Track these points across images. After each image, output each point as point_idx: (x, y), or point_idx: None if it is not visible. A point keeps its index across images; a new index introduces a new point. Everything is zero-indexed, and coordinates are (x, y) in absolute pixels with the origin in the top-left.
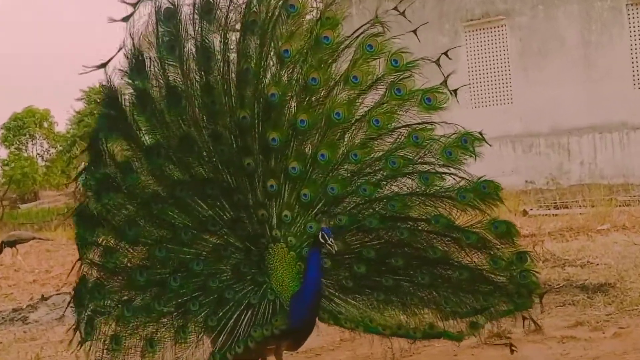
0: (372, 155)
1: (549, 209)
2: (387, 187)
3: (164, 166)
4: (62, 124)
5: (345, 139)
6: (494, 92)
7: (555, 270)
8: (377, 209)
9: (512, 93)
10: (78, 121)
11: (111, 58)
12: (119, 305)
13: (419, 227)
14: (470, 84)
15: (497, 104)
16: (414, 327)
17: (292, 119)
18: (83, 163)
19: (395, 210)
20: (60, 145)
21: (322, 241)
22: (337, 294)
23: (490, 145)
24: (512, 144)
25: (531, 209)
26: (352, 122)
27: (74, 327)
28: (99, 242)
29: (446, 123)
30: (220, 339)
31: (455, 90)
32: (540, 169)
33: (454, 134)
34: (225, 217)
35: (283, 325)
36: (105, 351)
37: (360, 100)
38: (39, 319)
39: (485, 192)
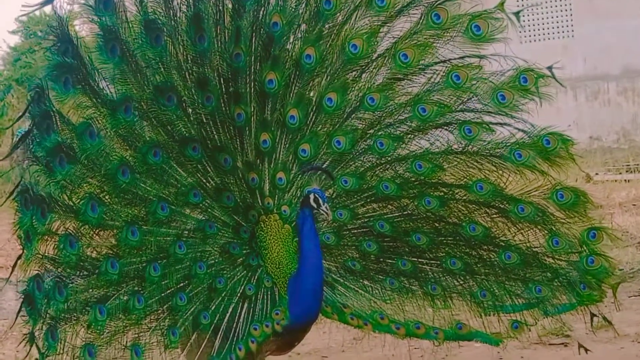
0: (395, 101)
1: (620, 174)
2: (413, 142)
3: (134, 125)
4: None
5: (362, 80)
6: (549, 22)
7: (627, 250)
8: (398, 171)
9: (573, 24)
10: (14, 60)
11: None
12: (88, 308)
13: (455, 196)
14: (520, 10)
15: (553, 38)
16: (436, 327)
17: (296, 55)
18: (24, 127)
19: (422, 173)
20: None
21: (314, 205)
22: (341, 280)
23: (563, 85)
24: (572, 90)
25: (597, 174)
26: (373, 57)
27: (27, 339)
28: (53, 230)
29: (498, 56)
30: (217, 341)
31: (517, 13)
32: (609, 122)
33: (509, 70)
34: (208, 185)
35: (285, 319)
36: None
37: (385, 30)
38: None
39: (549, 148)
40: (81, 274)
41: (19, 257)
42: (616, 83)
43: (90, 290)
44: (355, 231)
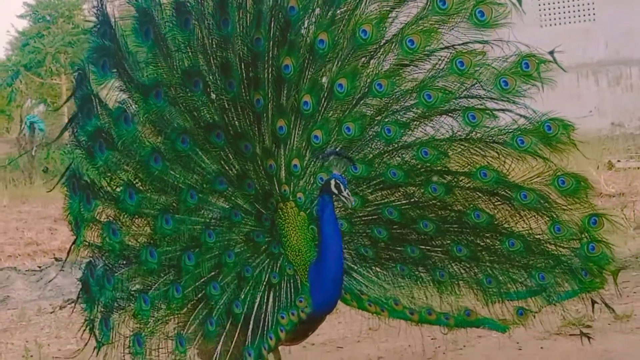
0: (401, 87)
1: None
2: (418, 129)
3: (164, 111)
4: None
5: (371, 66)
6: (570, 5)
7: None
8: (404, 158)
9: (595, 7)
10: (22, 45)
11: None
12: (133, 297)
13: (460, 183)
14: None
15: (574, 22)
16: (446, 313)
17: (310, 40)
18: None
19: (427, 159)
20: None
21: (335, 191)
22: (356, 267)
23: (564, 70)
24: (594, 75)
25: (619, 161)
26: (381, 43)
27: (86, 328)
28: (98, 217)
29: (501, 41)
30: (249, 331)
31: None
32: (632, 108)
33: (511, 56)
34: (231, 172)
35: (308, 307)
36: (127, 356)
37: (393, 16)
38: None
39: (551, 134)
40: (125, 262)
41: (73, 243)
42: (639, 68)
43: (133, 279)
44: (366, 218)
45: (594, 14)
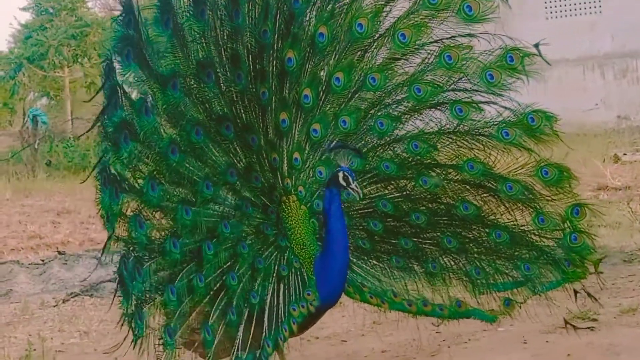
0: (393, 81)
1: None
2: (409, 123)
3: (180, 102)
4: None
5: (365, 59)
6: None
7: None
8: (396, 151)
9: (601, 0)
10: (25, 38)
11: None
12: (160, 288)
13: (448, 176)
14: None
15: (580, 14)
16: (441, 304)
17: (311, 33)
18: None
19: (418, 152)
20: (1, 70)
21: (343, 184)
22: (354, 259)
23: (549, 64)
24: (600, 67)
25: (625, 154)
26: (375, 37)
27: (124, 321)
28: (125, 211)
29: (487, 35)
30: (266, 322)
31: None
32: (638, 101)
33: (497, 49)
34: (239, 165)
35: (316, 300)
36: (160, 348)
37: (387, 10)
38: None
39: (534, 125)
40: (151, 255)
41: (109, 238)
42: None
43: (160, 271)
44: (362, 211)
45: (600, 7)
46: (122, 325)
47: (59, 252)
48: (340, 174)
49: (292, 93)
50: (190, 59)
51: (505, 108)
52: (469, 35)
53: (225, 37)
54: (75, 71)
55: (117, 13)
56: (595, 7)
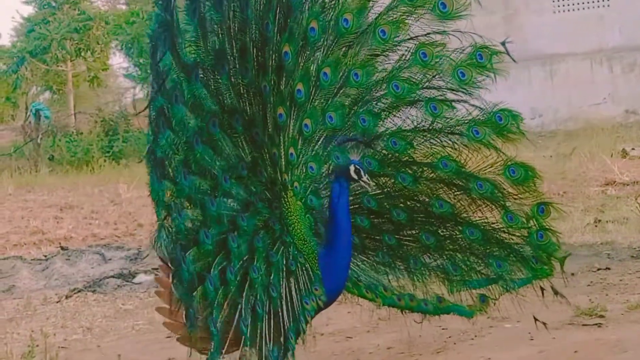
0: (374, 77)
1: None
2: (389, 119)
3: (201, 92)
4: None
5: (349, 55)
6: None
7: None
8: (376, 148)
9: None
10: (27, 31)
11: None
12: (198, 278)
13: (424, 174)
14: None
15: (588, 8)
16: (425, 299)
17: (304, 28)
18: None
19: (396, 150)
20: (3, 64)
21: (355, 177)
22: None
23: (515, 61)
24: (607, 61)
25: (633, 149)
26: (359, 33)
27: (187, 314)
28: (167, 199)
29: (459, 32)
30: (285, 314)
31: None
32: None
33: (467, 47)
34: (246, 159)
35: (323, 295)
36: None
37: (370, 6)
38: None
39: (502, 124)
40: (190, 244)
41: (160, 224)
42: None
43: (198, 261)
44: (350, 207)
45: (608, 0)
46: (186, 317)
47: (62, 248)
48: (352, 167)
49: (287, 87)
50: (208, 49)
51: (474, 106)
52: (442, 32)
53: (236, 29)
54: (78, 65)
55: (123, 7)
56: (603, 0)
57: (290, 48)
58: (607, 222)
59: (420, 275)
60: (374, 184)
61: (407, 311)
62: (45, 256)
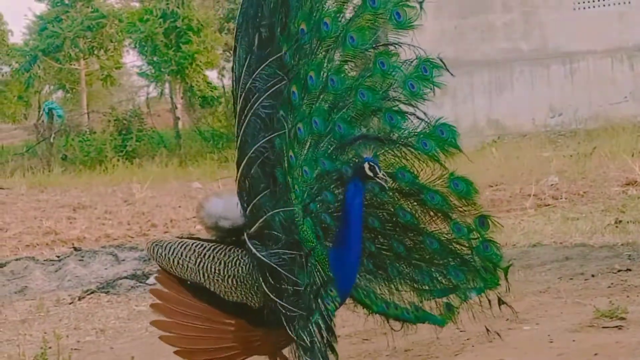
0: (345, 84)
1: None
2: (359, 127)
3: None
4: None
5: (326, 60)
6: None
7: None
8: (349, 155)
9: None
10: (40, 29)
11: None
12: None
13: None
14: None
15: (608, 5)
16: (407, 308)
17: (296, 29)
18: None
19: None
20: (16, 62)
21: (371, 174)
22: None
23: (452, 75)
24: (629, 60)
25: None
26: (335, 37)
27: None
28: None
29: (408, 45)
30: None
31: (421, 2)
32: None
33: (414, 59)
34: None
35: (337, 297)
36: None
37: (345, 10)
38: None
39: (444, 138)
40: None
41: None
42: None
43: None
44: (335, 214)
45: None
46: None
47: (75, 248)
48: (366, 165)
49: (286, 89)
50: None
51: (420, 119)
52: (394, 43)
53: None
54: (91, 63)
55: (136, 5)
56: None
57: (287, 48)
58: (627, 222)
59: (398, 283)
60: (390, 180)
61: (393, 319)
62: (58, 257)
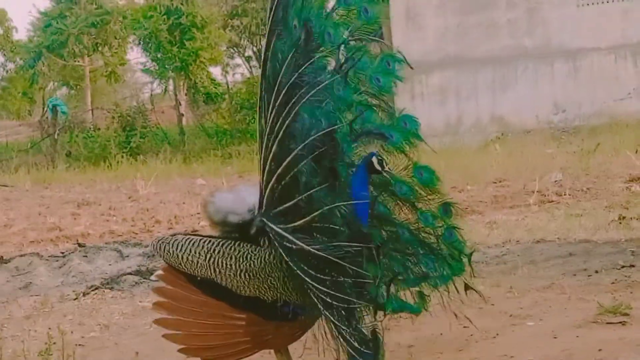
0: (326, 78)
1: None
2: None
3: None
4: (22, 29)
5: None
6: None
7: None
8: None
9: None
10: (44, 26)
11: None
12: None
13: None
14: None
15: (612, 1)
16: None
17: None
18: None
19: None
20: (20, 59)
21: (379, 168)
22: None
23: (412, 68)
24: (632, 56)
25: None
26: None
27: None
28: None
29: (378, 41)
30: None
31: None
32: None
33: (379, 54)
34: None
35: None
36: None
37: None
38: None
39: (408, 129)
40: None
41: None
42: None
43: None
44: None
45: None
46: None
47: (79, 245)
48: (375, 159)
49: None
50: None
51: (385, 111)
52: (361, 38)
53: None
54: (96, 60)
55: (140, 1)
56: None
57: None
58: (631, 218)
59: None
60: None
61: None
62: (63, 253)
